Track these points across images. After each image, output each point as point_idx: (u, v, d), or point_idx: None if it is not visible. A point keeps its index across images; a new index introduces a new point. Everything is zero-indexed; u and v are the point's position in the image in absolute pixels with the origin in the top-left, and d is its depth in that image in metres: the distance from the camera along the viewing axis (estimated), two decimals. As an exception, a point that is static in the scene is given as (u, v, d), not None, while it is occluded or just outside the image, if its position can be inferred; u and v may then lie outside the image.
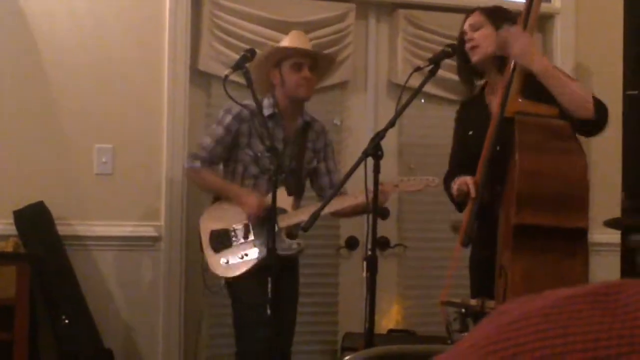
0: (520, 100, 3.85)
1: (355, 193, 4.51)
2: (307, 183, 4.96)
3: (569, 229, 3.67)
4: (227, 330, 4.86)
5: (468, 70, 4.29)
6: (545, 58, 4.04)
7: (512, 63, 3.92)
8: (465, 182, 3.96)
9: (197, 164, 4.73)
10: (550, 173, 3.70)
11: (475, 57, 4.14)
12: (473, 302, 3.71)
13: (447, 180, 4.32)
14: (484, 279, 3.98)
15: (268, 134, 4.54)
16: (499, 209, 3.88)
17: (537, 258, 3.62)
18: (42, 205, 4.88)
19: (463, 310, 3.61)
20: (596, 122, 3.90)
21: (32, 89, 5.03)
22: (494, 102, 4.11)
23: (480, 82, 4.39)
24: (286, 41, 4.83)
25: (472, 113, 4.30)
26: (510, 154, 3.77)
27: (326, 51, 5.30)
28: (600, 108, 3.90)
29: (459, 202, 4.18)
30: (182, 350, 5.23)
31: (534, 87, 3.89)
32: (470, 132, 4.23)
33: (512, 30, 3.94)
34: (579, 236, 3.72)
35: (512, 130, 3.77)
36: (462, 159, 4.29)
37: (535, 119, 3.81)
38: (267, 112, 4.70)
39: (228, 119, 4.72)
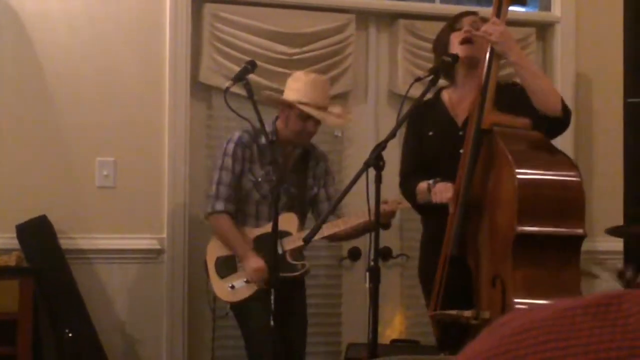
0: (494, 112, 3.86)
1: (357, 213, 4.51)
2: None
3: (568, 235, 3.67)
4: (231, 343, 4.86)
5: (443, 64, 4.24)
6: (520, 50, 4.04)
7: (485, 70, 3.92)
8: (446, 196, 3.94)
9: (219, 205, 4.69)
10: (548, 182, 3.71)
11: (466, 52, 4.12)
12: (467, 313, 3.70)
13: (406, 182, 4.32)
14: (450, 287, 3.93)
15: (272, 156, 4.54)
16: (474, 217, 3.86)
17: (537, 266, 3.63)
18: (44, 219, 4.88)
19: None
20: (563, 121, 3.96)
21: (33, 103, 5.04)
22: (457, 106, 4.14)
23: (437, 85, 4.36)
24: (302, 85, 4.70)
25: (431, 114, 4.27)
26: (488, 162, 3.78)
27: (329, 61, 5.32)
28: (566, 108, 3.96)
29: (420, 205, 4.21)
30: (185, 363, 5.23)
31: (505, 100, 3.92)
32: (431, 133, 4.23)
33: (489, 22, 3.95)
34: (577, 243, 3.72)
35: (489, 141, 3.78)
36: (419, 160, 4.30)
37: (514, 130, 3.83)
38: (264, 139, 4.66)
39: (231, 147, 4.71)
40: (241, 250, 4.67)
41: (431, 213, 4.20)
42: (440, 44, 4.26)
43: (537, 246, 3.64)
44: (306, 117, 4.67)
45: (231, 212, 4.70)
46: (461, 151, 3.87)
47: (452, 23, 4.28)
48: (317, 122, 4.72)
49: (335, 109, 4.84)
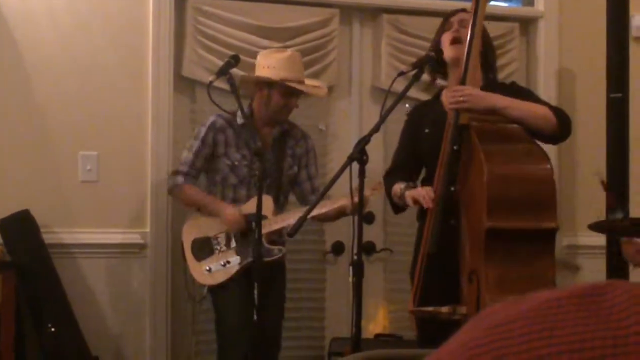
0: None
1: (336, 197, 4.53)
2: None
3: (540, 230, 3.69)
4: (215, 337, 4.86)
5: (436, 66, 4.28)
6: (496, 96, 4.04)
7: (463, 70, 3.95)
8: (421, 195, 3.96)
9: (179, 179, 4.77)
10: (518, 176, 3.73)
11: (455, 52, 4.12)
12: (444, 309, 3.72)
13: (389, 178, 4.36)
14: (436, 283, 3.94)
15: (253, 139, 4.56)
16: (460, 212, 3.88)
17: (509, 261, 3.65)
18: (27, 214, 4.87)
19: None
20: (560, 135, 4.01)
21: (15, 98, 5.02)
22: None
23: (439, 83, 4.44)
24: (280, 62, 4.74)
25: (428, 113, 4.29)
26: (467, 158, 3.79)
27: (313, 56, 5.33)
28: (564, 121, 4.00)
29: (397, 205, 4.26)
30: (169, 357, 5.22)
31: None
32: (427, 130, 4.24)
33: (450, 92, 3.96)
34: (549, 237, 3.74)
35: (467, 137, 3.80)
36: (408, 159, 4.35)
37: (490, 124, 3.85)
38: (239, 120, 4.72)
39: (203, 131, 4.78)
40: (213, 205, 4.74)
41: (401, 210, 4.27)
42: (435, 44, 4.26)
43: (509, 240, 3.65)
44: (290, 93, 4.71)
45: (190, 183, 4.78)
46: (455, 147, 3.88)
47: (443, 22, 4.29)
48: (298, 97, 4.78)
49: (312, 82, 4.95)
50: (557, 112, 4.03)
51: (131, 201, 5.19)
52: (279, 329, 4.85)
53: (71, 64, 5.09)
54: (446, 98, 4.00)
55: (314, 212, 4.33)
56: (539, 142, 4.12)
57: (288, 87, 4.71)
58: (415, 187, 4.14)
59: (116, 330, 5.16)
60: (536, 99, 4.21)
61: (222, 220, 4.68)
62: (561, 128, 3.98)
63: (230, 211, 4.67)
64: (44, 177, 5.04)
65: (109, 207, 5.13)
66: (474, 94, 3.90)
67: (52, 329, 4.71)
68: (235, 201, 4.77)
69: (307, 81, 4.88)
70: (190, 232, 4.80)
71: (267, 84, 4.74)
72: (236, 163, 4.76)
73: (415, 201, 4.01)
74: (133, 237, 5.17)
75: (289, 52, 4.86)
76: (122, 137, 5.16)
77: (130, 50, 5.19)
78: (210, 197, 4.78)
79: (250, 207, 4.56)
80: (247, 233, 4.63)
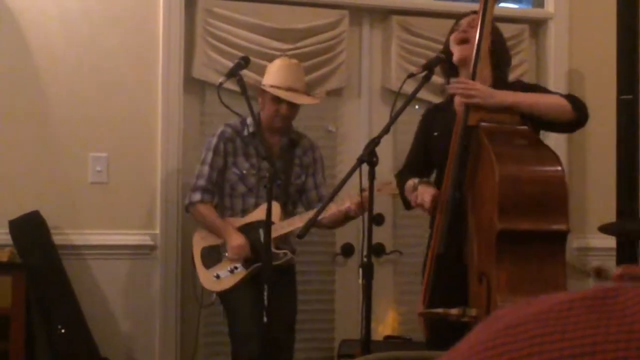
0: (482, 109, 3.87)
1: (340, 199, 4.52)
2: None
3: (551, 232, 3.68)
4: (224, 339, 4.87)
5: (448, 68, 4.28)
6: (506, 92, 4.02)
7: (472, 70, 3.94)
8: (422, 198, 3.96)
9: (196, 196, 4.77)
10: (529, 178, 3.71)
11: (462, 53, 4.11)
12: (454, 311, 3.70)
13: (399, 176, 4.36)
14: (445, 285, 3.92)
15: (262, 146, 4.57)
16: (467, 214, 3.87)
17: (520, 263, 3.63)
18: (37, 215, 4.87)
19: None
20: (578, 120, 3.98)
21: (25, 98, 5.02)
22: (461, 107, 4.13)
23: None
24: (275, 69, 4.82)
25: (439, 116, 4.29)
26: (476, 160, 3.78)
27: (323, 57, 5.34)
28: (578, 106, 3.97)
29: (409, 201, 4.23)
30: (179, 359, 5.22)
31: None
32: (436, 134, 4.23)
33: (461, 83, 3.94)
34: (560, 239, 3.73)
35: (475, 138, 3.79)
36: (419, 159, 4.34)
37: (499, 126, 3.84)
38: (251, 129, 4.76)
39: (214, 141, 4.80)
40: (222, 230, 4.76)
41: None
42: (445, 46, 4.25)
43: (520, 242, 3.64)
44: (278, 99, 4.72)
45: (208, 201, 4.78)
46: (462, 149, 3.87)
47: (454, 24, 4.28)
48: (291, 106, 4.77)
49: (306, 96, 4.91)
50: (570, 98, 4.00)
51: (141, 203, 5.19)
52: (290, 333, 4.85)
53: (81, 66, 5.09)
54: (455, 89, 3.98)
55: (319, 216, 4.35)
56: (557, 133, 4.10)
57: (271, 92, 4.74)
58: (429, 182, 4.13)
59: (126, 331, 5.16)
60: (546, 92, 4.21)
61: (228, 247, 4.72)
62: (577, 113, 3.95)
63: (237, 241, 4.69)
64: (54, 179, 5.05)
65: (119, 208, 5.14)
66: (484, 90, 3.89)
67: (62, 330, 4.71)
68: (244, 211, 4.80)
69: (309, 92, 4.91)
70: (199, 241, 4.84)
71: (262, 90, 4.79)
72: (245, 172, 4.77)
73: (418, 204, 4.01)
74: (143, 239, 5.17)
75: (287, 60, 4.91)
76: (132, 138, 5.17)
77: (141, 52, 5.20)
78: (220, 222, 4.78)
79: (257, 214, 4.60)
80: (254, 238, 4.65)
